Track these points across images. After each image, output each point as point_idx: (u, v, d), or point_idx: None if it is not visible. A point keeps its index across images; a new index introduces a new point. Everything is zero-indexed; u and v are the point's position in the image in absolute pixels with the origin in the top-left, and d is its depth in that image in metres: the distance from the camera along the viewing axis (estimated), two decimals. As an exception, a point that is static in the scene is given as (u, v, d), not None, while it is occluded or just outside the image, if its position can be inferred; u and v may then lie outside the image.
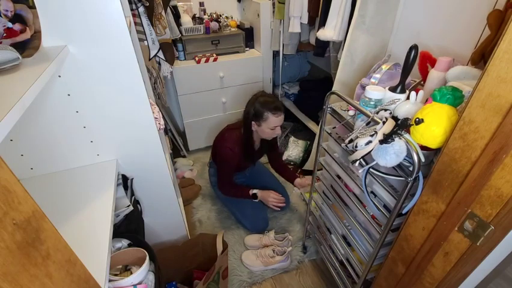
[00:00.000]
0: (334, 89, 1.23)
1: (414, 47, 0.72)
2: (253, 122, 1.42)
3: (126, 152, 1.01)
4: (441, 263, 0.70)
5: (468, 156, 0.58)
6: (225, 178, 1.61)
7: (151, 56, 1.60)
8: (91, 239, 0.71)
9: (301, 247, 1.58)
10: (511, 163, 0.50)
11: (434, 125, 0.65)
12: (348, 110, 0.99)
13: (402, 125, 0.67)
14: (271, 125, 1.38)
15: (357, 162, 0.76)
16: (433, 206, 0.69)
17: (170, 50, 1.78)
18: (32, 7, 0.69)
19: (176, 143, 2.26)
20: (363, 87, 0.92)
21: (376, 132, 0.70)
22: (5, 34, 0.64)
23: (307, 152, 2.18)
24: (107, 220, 0.75)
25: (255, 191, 1.55)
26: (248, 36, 2.14)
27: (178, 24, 1.91)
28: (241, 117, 1.51)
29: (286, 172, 1.77)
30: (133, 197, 1.05)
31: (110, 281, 0.72)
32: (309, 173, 2.04)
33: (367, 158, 0.74)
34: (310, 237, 1.57)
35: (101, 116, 0.91)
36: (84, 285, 0.52)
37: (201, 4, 2.06)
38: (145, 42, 1.54)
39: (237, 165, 1.57)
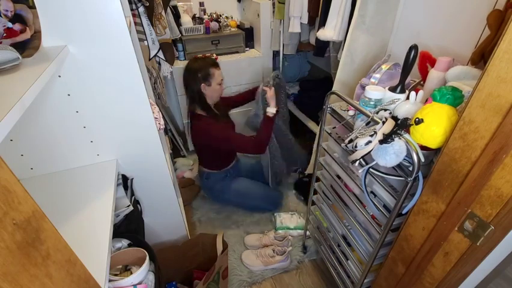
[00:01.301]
0: (334, 89, 1.23)
1: (414, 47, 0.72)
2: (203, 85, 1.44)
3: (126, 152, 1.01)
4: (441, 263, 0.70)
5: (468, 156, 0.58)
6: (244, 140, 1.50)
7: (151, 56, 1.60)
8: (91, 239, 0.71)
9: (301, 247, 1.58)
10: (511, 163, 0.50)
11: (434, 125, 0.64)
12: (348, 110, 0.99)
13: (402, 125, 0.67)
14: (218, 80, 1.46)
15: (357, 162, 0.76)
16: (433, 206, 0.69)
17: (170, 50, 1.78)
18: (32, 7, 0.69)
19: (176, 143, 2.26)
20: (363, 87, 0.92)
21: (376, 132, 0.70)
22: (5, 34, 0.64)
23: (307, 152, 2.18)
24: (107, 220, 0.75)
25: (268, 110, 1.49)
26: (248, 36, 2.14)
27: (178, 24, 1.91)
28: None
29: (247, 93, 1.75)
30: (133, 197, 1.04)
31: (110, 281, 0.72)
32: (309, 175, 2.04)
33: (367, 158, 0.74)
34: (310, 237, 1.57)
35: (101, 116, 0.91)
36: (84, 285, 0.52)
37: (201, 4, 2.06)
38: (145, 42, 1.54)
39: (226, 127, 1.58)
